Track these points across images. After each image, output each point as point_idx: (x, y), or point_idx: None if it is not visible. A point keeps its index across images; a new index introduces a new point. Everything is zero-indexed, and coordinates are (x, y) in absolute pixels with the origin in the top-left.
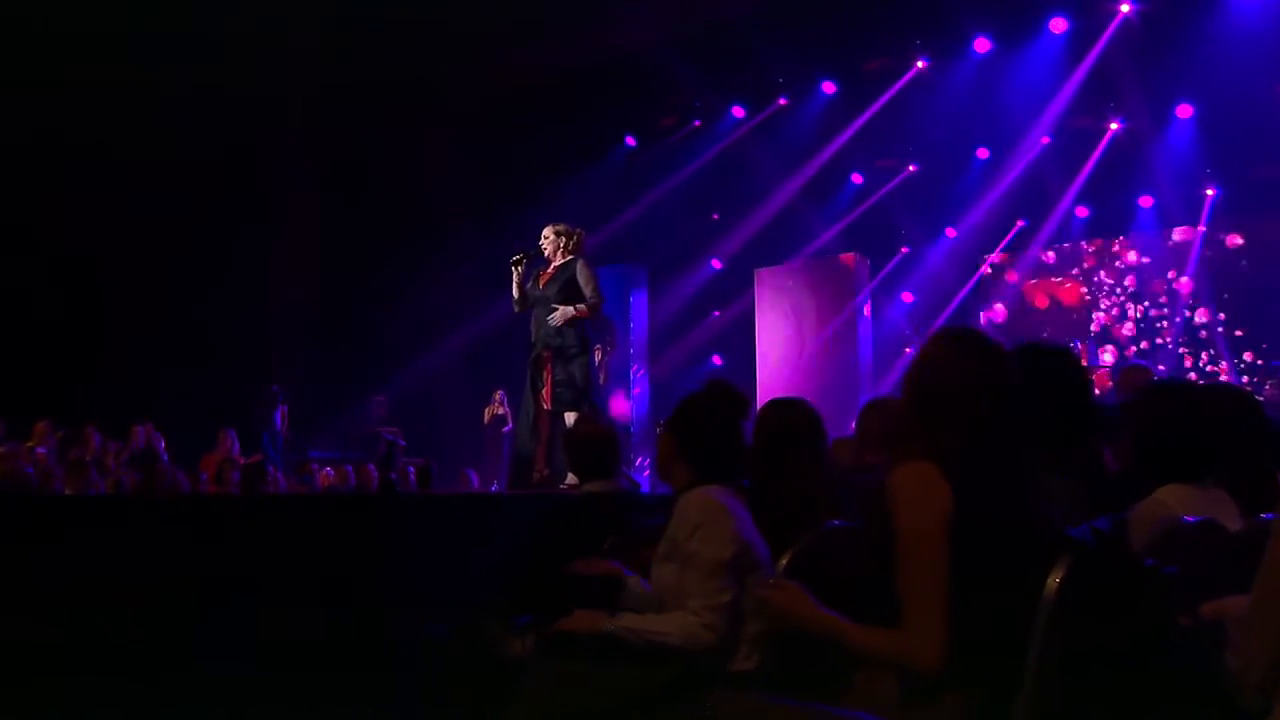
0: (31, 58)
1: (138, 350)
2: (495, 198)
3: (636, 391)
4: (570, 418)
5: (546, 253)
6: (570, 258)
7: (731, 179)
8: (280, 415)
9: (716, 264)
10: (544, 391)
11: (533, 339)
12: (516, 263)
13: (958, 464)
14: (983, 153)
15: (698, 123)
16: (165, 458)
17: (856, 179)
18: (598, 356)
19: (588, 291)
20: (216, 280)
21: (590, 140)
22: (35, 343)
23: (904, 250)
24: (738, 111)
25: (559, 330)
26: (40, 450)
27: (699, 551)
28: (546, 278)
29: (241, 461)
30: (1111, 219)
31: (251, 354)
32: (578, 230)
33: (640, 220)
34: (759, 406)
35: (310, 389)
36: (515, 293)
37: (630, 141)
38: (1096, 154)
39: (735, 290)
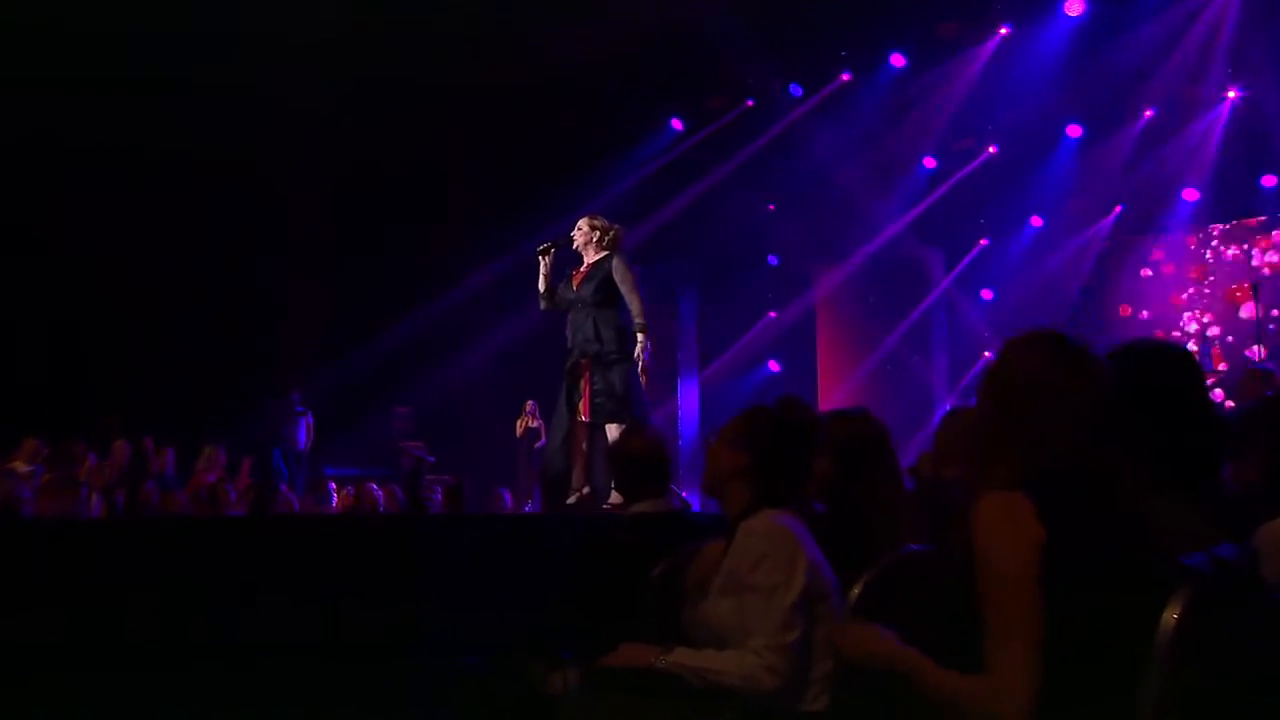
0: (24, 58)
1: (137, 359)
2: (526, 193)
3: (684, 402)
4: (612, 431)
5: (577, 244)
6: (605, 254)
7: (789, 165)
8: (305, 429)
9: (772, 260)
10: (581, 403)
11: (569, 344)
12: (544, 251)
13: (1050, 491)
14: (1074, 130)
15: (751, 102)
16: (172, 475)
17: (929, 163)
18: (640, 363)
19: (625, 290)
20: (222, 283)
21: (631, 125)
22: (32, 351)
23: (983, 242)
24: (795, 89)
25: (598, 334)
26: (28, 469)
27: (764, 585)
28: (580, 277)
29: (245, 483)
30: (1230, 203)
31: (259, 361)
32: (615, 226)
33: (687, 213)
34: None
35: (324, 399)
36: (541, 285)
37: (676, 125)
38: (1217, 128)
39: (793, 289)
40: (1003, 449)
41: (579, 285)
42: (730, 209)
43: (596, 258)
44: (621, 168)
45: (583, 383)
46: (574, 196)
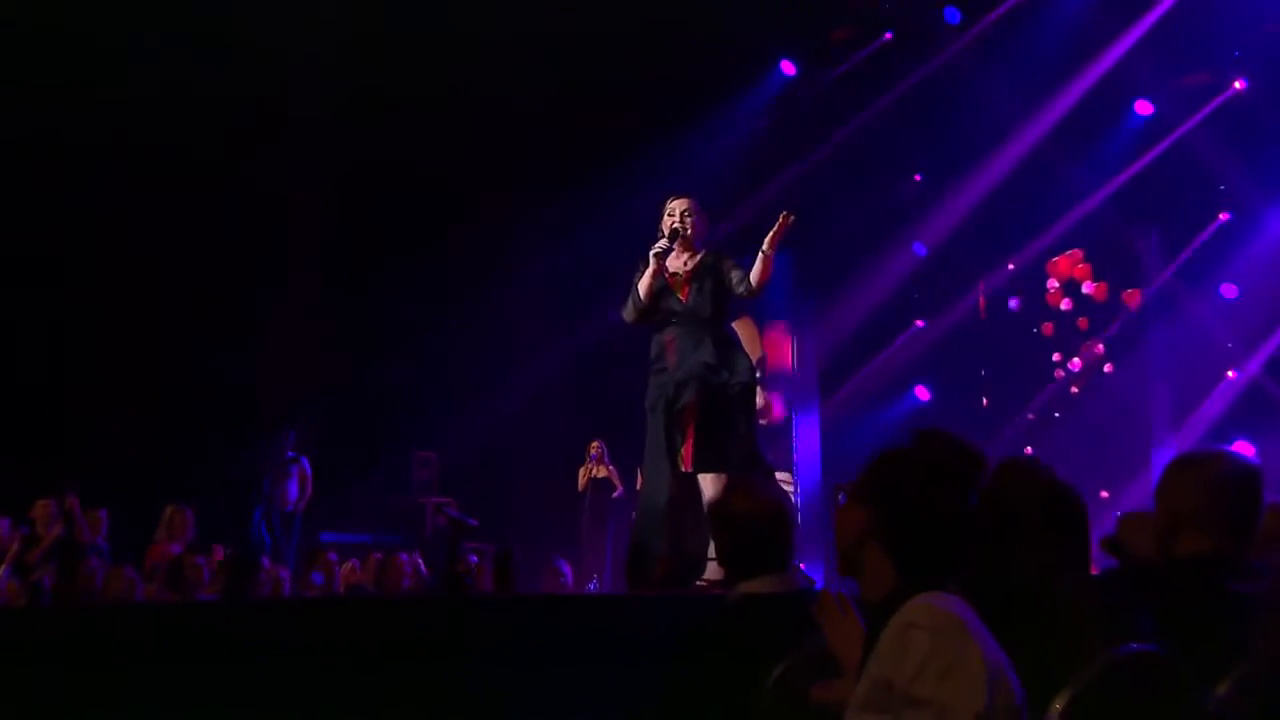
0: None
1: (70, 386)
2: (579, 168)
3: (800, 444)
4: (710, 482)
5: (681, 236)
6: (702, 251)
7: (943, 119)
8: (297, 482)
9: (920, 250)
10: (685, 448)
11: (667, 367)
12: (661, 255)
13: None
14: None
15: (889, 35)
16: (105, 547)
17: (1143, 108)
18: (760, 398)
19: (743, 288)
20: (185, 287)
21: (726, 68)
22: None
23: (1223, 217)
24: (952, 14)
25: (721, 359)
26: None
27: (934, 700)
28: (685, 281)
29: (218, 557)
30: None
31: (237, 391)
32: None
33: (800, 185)
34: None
35: (321, 441)
36: (643, 293)
37: (787, 68)
38: None
39: (949, 287)
40: None
41: (687, 294)
42: (860, 182)
43: (699, 255)
44: (711, 126)
45: (688, 421)
46: (644, 170)
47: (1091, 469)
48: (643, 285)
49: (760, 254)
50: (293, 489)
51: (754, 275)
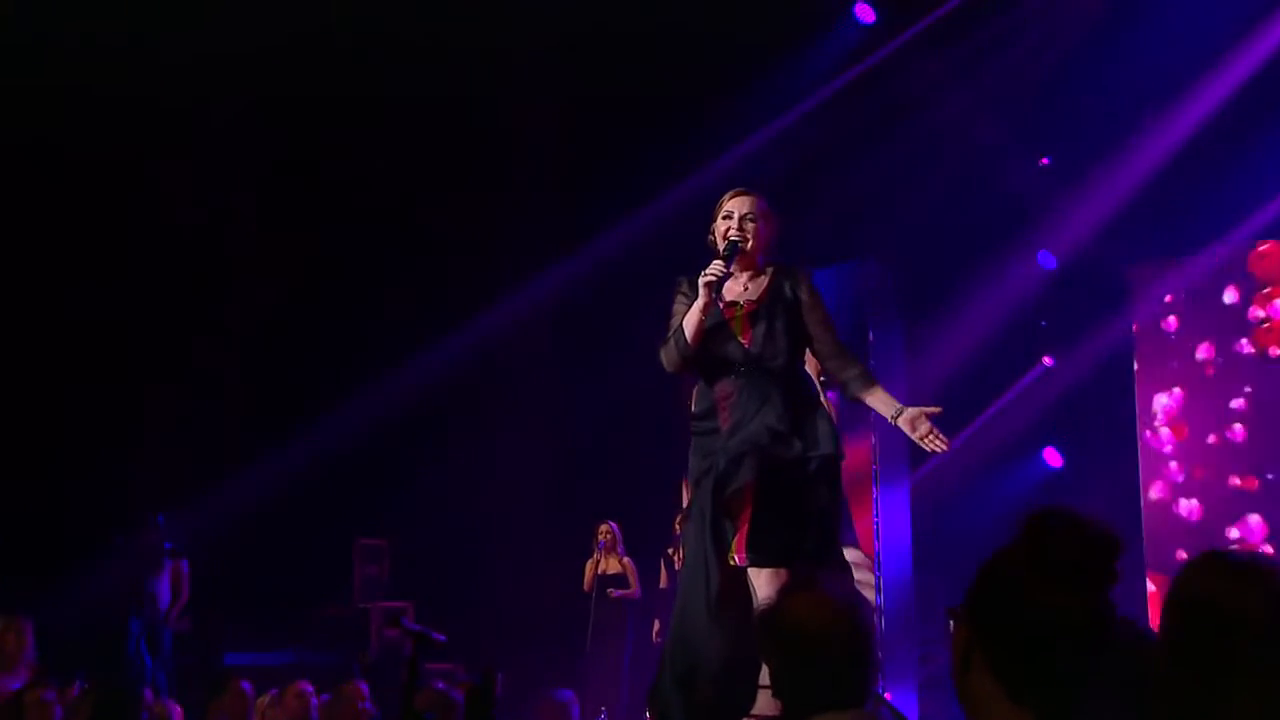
0: None
1: None
2: (583, 158)
3: (885, 527)
4: (765, 581)
5: (742, 247)
6: (774, 268)
7: (1076, 87)
8: (168, 581)
9: (1047, 261)
10: (739, 536)
11: (719, 429)
12: (715, 282)
13: None
14: None
15: None
16: None
17: None
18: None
19: (819, 333)
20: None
21: (786, 15)
22: None
23: None
24: None
25: (796, 422)
26: None
27: None
28: (747, 315)
29: (75, 692)
30: None
31: (99, 462)
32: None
33: (887, 174)
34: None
35: (220, 528)
36: (690, 335)
37: (864, 14)
38: None
39: (1087, 310)
40: None
41: (751, 336)
42: (964, 168)
43: (767, 278)
44: (765, 93)
45: (745, 501)
46: (680, 155)
47: None
48: (690, 324)
49: (890, 412)
50: (164, 589)
51: (863, 392)
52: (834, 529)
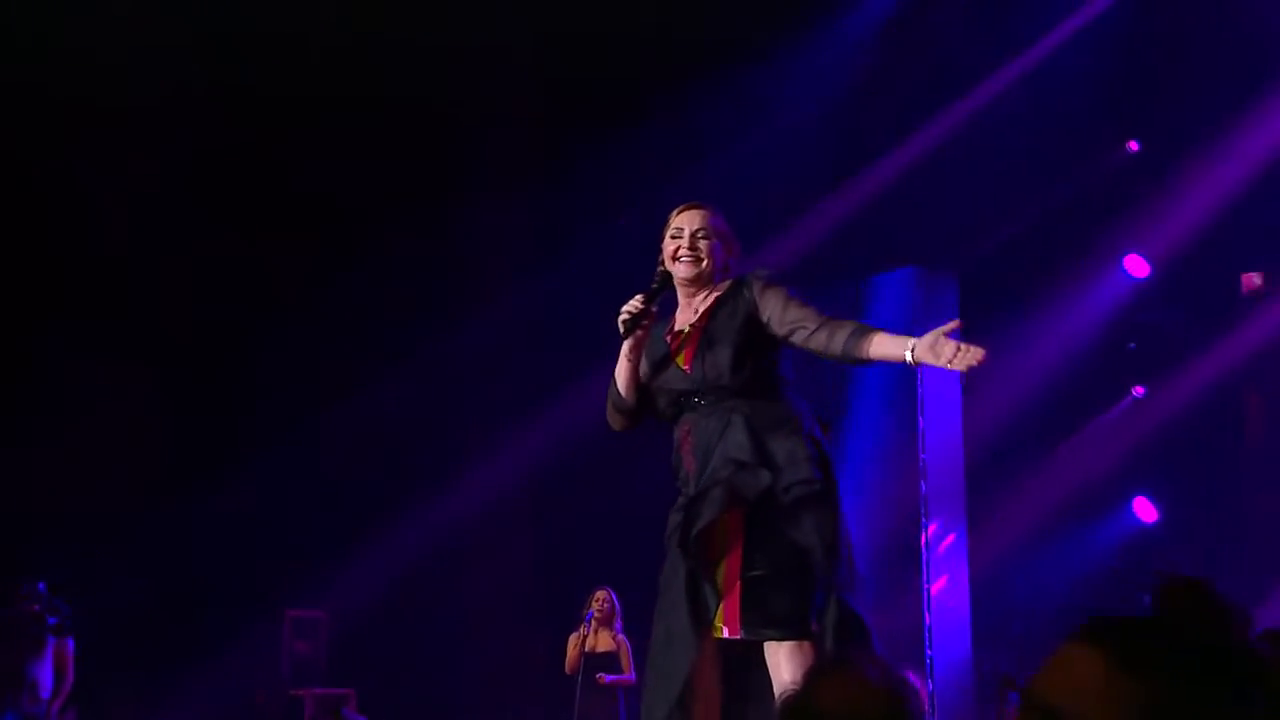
0: None
1: None
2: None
3: (932, 593)
4: (785, 659)
5: (683, 275)
6: (728, 285)
7: (1165, 57)
8: (50, 664)
9: (1138, 265)
10: (728, 601)
11: (679, 479)
12: (652, 294)
13: None
14: None
15: None
16: None
17: None
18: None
19: (793, 324)
20: None
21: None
22: None
23: None
24: None
25: (751, 454)
26: None
27: None
28: (692, 340)
29: None
30: None
31: None
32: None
33: (929, 166)
34: None
35: (113, 596)
36: (624, 378)
37: None
38: None
39: (1190, 329)
40: None
41: (691, 360)
42: (1032, 158)
43: (711, 295)
44: (783, 69)
45: (717, 558)
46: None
47: None
48: (619, 373)
49: (904, 352)
50: (46, 674)
51: (863, 346)
52: (836, 577)
